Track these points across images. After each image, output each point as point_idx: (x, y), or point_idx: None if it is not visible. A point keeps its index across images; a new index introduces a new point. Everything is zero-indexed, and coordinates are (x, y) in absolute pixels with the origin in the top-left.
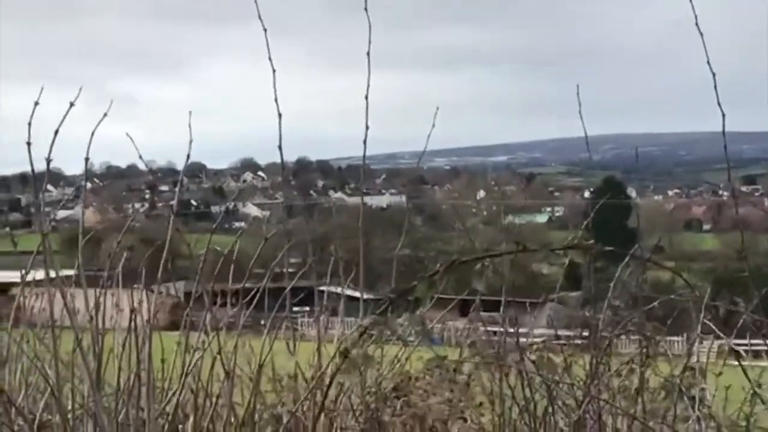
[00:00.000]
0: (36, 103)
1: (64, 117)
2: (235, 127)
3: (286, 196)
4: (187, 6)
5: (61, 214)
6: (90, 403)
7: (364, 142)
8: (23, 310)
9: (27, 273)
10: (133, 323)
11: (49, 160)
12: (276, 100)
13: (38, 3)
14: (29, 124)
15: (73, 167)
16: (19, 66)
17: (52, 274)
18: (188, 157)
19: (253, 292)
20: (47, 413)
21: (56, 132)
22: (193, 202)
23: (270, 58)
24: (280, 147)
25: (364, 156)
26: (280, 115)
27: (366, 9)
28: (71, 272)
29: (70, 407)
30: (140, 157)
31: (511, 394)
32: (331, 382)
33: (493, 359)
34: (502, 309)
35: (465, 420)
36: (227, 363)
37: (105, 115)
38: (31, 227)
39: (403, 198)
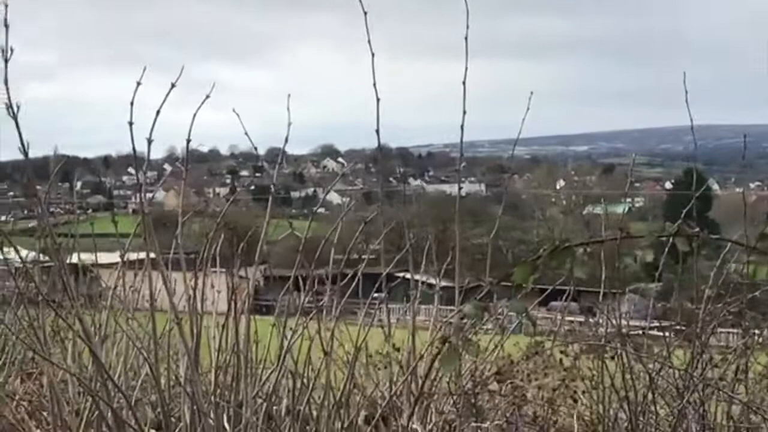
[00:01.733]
0: (138, 83)
1: (165, 99)
2: (316, 113)
3: (366, 182)
4: None
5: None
6: (186, 383)
7: (461, 127)
8: (122, 291)
9: (125, 254)
10: (226, 305)
11: (150, 141)
12: (375, 85)
13: None
14: (131, 104)
15: (155, 151)
16: (99, 50)
17: (152, 255)
18: (286, 140)
19: (348, 278)
20: (144, 392)
21: (158, 112)
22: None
23: (369, 42)
24: (377, 131)
25: (461, 142)
26: (378, 100)
27: None
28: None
29: (165, 386)
30: (250, 143)
31: (611, 382)
32: (430, 368)
33: (595, 346)
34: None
35: (573, 401)
36: (326, 345)
37: (207, 96)
38: (113, 209)
39: (482, 186)
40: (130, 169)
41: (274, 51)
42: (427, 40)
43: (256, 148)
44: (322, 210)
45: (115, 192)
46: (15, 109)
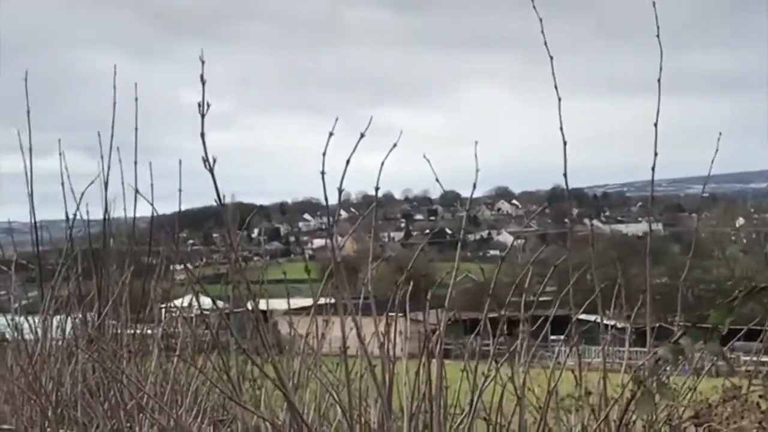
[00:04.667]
0: (331, 134)
1: (355, 148)
2: (490, 154)
3: (540, 224)
4: (445, 33)
5: (318, 242)
6: (380, 429)
7: (652, 168)
8: (315, 338)
9: (316, 301)
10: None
11: (341, 191)
12: (561, 129)
13: (296, 31)
14: (323, 154)
15: (329, 197)
16: (273, 97)
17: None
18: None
19: (539, 323)
20: None
21: (347, 162)
22: (448, 231)
23: (556, 87)
24: (565, 174)
25: (652, 182)
26: (565, 143)
27: (658, 35)
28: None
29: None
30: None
31: None
32: (624, 411)
33: None
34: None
35: None
36: (519, 389)
37: (395, 145)
38: (290, 256)
39: (660, 226)
40: (306, 215)
41: (445, 92)
42: (599, 77)
43: (433, 198)
44: (496, 252)
45: (292, 239)
46: (211, 162)
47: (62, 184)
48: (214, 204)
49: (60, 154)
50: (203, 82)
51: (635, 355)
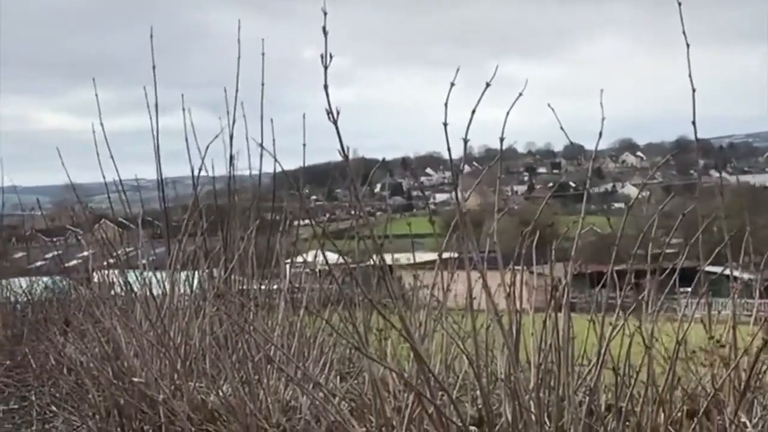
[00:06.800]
0: (452, 84)
1: (479, 99)
2: (613, 107)
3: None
4: None
5: (440, 197)
6: (507, 379)
7: None
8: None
9: (441, 254)
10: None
11: (466, 141)
12: (690, 76)
13: None
14: (445, 104)
15: (452, 151)
16: (389, 52)
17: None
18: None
19: (665, 275)
20: (462, 389)
21: (473, 111)
22: (572, 184)
23: (684, 33)
24: (693, 123)
25: None
26: (693, 90)
27: None
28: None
29: (485, 383)
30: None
31: None
32: (755, 361)
33: None
34: None
35: None
36: (647, 339)
37: (520, 95)
38: (412, 210)
39: None
40: (428, 170)
41: (567, 44)
42: (727, 26)
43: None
44: (620, 205)
45: (414, 193)
46: (335, 113)
47: (186, 139)
48: (337, 160)
49: (184, 110)
50: (325, 34)
51: (764, 306)
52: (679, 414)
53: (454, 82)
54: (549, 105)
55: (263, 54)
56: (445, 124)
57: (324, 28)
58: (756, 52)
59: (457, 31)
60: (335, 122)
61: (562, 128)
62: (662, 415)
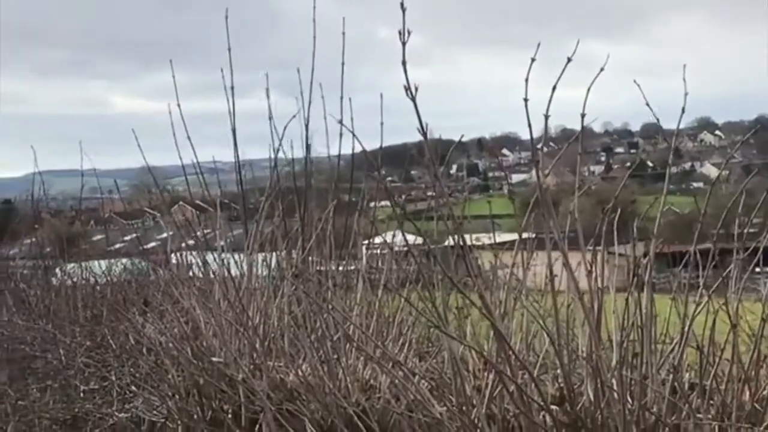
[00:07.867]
0: (532, 59)
1: (560, 76)
2: (690, 85)
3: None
4: None
5: (516, 177)
6: (589, 357)
7: None
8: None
9: (521, 233)
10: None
11: (546, 116)
12: None
13: None
14: (526, 80)
15: (526, 131)
16: (465, 33)
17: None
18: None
19: (746, 254)
20: (542, 368)
21: (554, 88)
22: (650, 164)
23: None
24: None
25: None
26: None
27: None
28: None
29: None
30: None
31: None
32: None
33: None
34: None
35: None
36: (732, 316)
37: (602, 70)
38: (489, 191)
39: None
40: (504, 150)
41: (644, 24)
42: None
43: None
44: (699, 185)
45: (491, 174)
46: (413, 90)
47: (270, 118)
48: (412, 141)
49: (266, 90)
50: (404, 10)
51: None
52: (765, 392)
53: (534, 57)
54: (635, 81)
55: (344, 33)
56: (526, 100)
57: (402, 4)
58: None
59: (533, 11)
60: (413, 98)
61: (647, 104)
62: (747, 393)
